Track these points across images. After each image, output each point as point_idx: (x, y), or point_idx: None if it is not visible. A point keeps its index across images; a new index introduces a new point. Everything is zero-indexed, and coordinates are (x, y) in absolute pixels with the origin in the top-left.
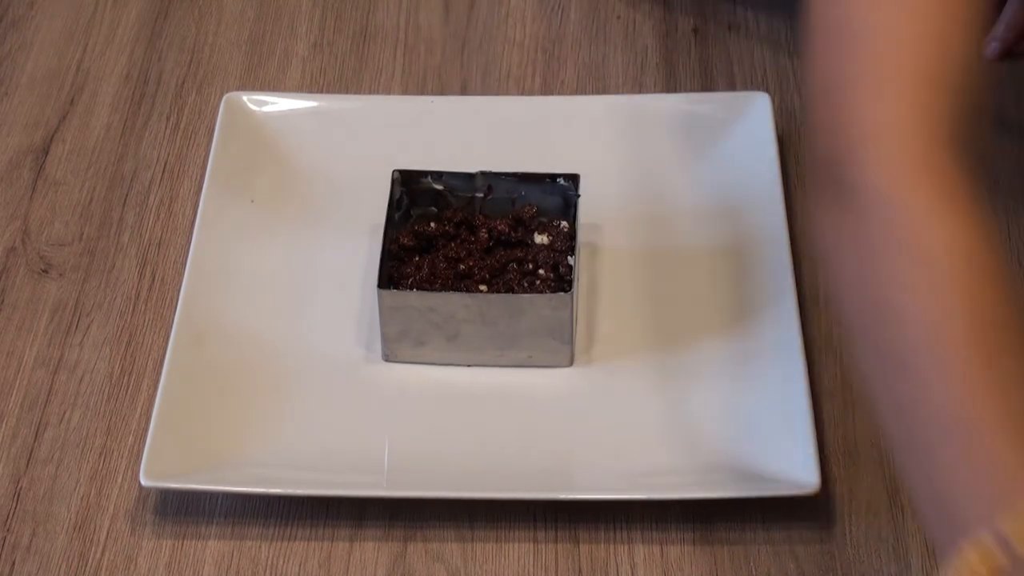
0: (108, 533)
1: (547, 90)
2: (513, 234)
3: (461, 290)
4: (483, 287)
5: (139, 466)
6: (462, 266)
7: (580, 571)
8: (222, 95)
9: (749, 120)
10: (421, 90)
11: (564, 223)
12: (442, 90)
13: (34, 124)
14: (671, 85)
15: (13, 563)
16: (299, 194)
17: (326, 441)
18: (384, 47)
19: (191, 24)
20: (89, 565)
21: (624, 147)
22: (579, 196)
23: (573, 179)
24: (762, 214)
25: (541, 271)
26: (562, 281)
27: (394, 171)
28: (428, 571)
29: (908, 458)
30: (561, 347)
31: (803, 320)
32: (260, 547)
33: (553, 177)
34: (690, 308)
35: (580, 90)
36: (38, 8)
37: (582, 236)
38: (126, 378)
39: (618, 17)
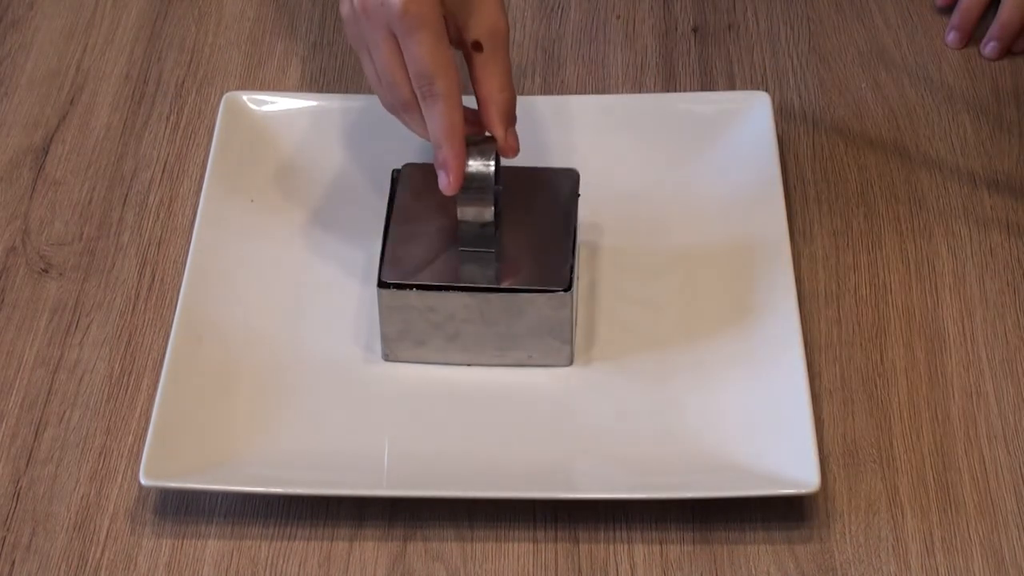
0: (108, 533)
1: (547, 90)
2: None
3: (461, 290)
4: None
5: (139, 466)
6: None
7: (580, 570)
8: (222, 95)
9: (749, 120)
10: None
11: None
12: None
13: (34, 124)
14: (671, 85)
15: (13, 563)
16: (299, 194)
17: (326, 441)
18: None
19: (191, 24)
20: (89, 565)
21: (624, 147)
22: (579, 195)
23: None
24: (762, 214)
25: None
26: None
27: (394, 171)
28: (428, 571)
29: None
30: (561, 347)
31: (803, 320)
32: (260, 547)
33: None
34: (690, 308)
35: (580, 90)
36: (38, 8)
37: (582, 235)
38: (126, 378)
39: (617, 16)
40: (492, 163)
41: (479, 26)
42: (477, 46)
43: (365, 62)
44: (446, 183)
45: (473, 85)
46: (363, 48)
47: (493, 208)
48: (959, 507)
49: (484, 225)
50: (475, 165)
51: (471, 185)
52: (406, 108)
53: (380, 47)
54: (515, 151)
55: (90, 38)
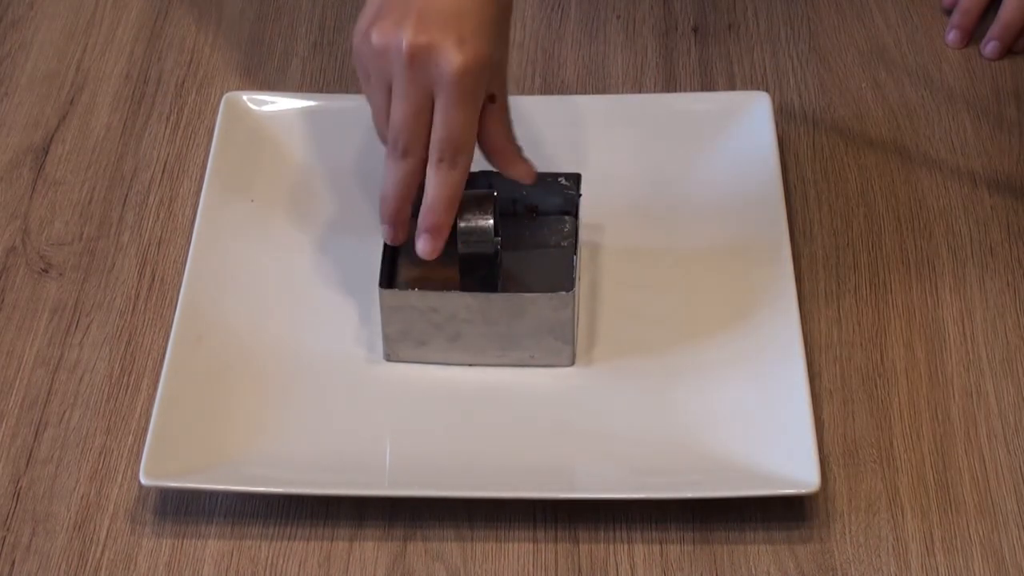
0: (108, 532)
1: (547, 90)
2: None
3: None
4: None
5: (139, 466)
6: None
7: (580, 570)
8: (222, 95)
9: (749, 120)
10: None
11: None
12: None
13: (34, 124)
14: (671, 85)
15: (13, 562)
16: (299, 194)
17: (326, 441)
18: None
19: (191, 24)
20: (89, 564)
21: (624, 147)
22: (580, 196)
23: (575, 179)
24: (762, 214)
25: None
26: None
27: None
28: (428, 571)
29: None
30: (562, 347)
31: (803, 320)
32: (260, 547)
33: (555, 177)
34: (690, 308)
35: (580, 90)
36: (38, 8)
37: (583, 236)
38: (126, 378)
39: (618, 16)
40: (491, 218)
41: (496, 80)
42: (492, 98)
43: (371, 90)
44: (429, 249)
45: (481, 133)
46: (381, 84)
47: (493, 261)
48: (959, 507)
49: (485, 276)
50: (474, 219)
51: (471, 238)
52: (400, 155)
53: (407, 99)
54: (534, 176)
55: (90, 38)
